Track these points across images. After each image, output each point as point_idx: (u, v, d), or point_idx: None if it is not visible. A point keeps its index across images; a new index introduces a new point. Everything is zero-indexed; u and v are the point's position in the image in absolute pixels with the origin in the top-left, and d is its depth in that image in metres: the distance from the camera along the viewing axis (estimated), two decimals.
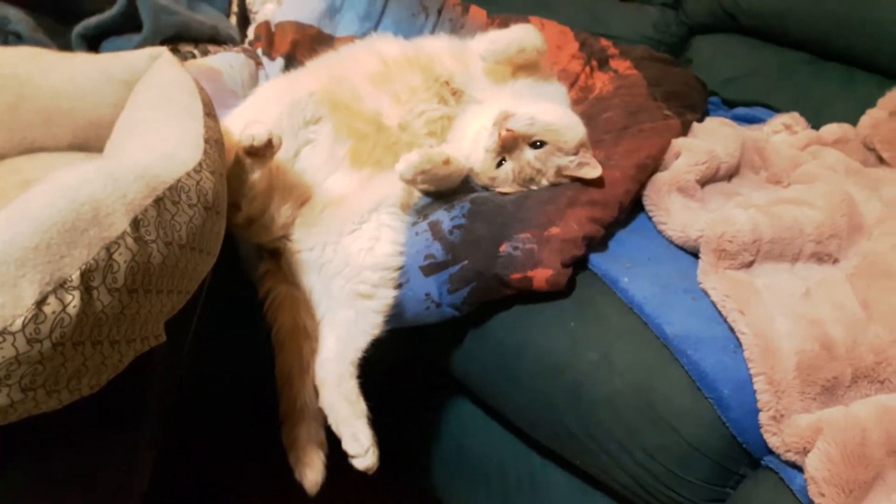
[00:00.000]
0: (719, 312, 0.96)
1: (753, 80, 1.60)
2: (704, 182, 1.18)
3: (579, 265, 1.06)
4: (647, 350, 0.97)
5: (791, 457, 0.84)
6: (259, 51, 1.42)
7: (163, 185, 0.72)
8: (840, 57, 1.53)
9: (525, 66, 1.22)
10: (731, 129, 1.28)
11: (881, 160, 1.34)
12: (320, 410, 1.02)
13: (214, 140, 0.86)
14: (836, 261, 1.06)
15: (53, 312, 0.59)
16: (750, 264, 1.01)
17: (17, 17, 1.25)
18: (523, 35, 1.19)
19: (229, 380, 1.24)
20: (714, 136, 1.24)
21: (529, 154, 1.11)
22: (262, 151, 0.98)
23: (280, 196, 1.06)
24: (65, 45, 1.33)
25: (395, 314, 1.08)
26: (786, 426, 0.84)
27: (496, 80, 1.22)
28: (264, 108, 1.13)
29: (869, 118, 1.37)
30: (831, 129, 1.38)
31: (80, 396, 0.66)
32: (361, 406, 1.02)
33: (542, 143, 1.11)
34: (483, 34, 1.22)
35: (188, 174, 0.76)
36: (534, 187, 1.14)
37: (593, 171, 1.11)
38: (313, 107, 1.11)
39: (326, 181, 1.11)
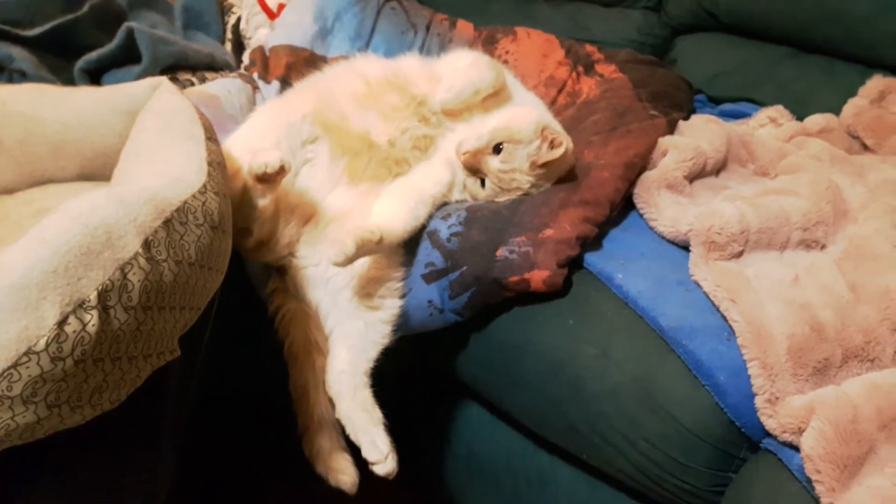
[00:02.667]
0: (712, 302, 0.99)
1: (737, 76, 1.64)
2: (692, 178, 1.21)
3: (575, 264, 1.09)
4: (644, 342, 1.00)
5: (787, 437, 0.86)
6: (255, 75, 1.46)
7: (170, 207, 0.76)
8: (821, 49, 1.57)
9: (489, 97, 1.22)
10: (717, 126, 1.31)
11: (865, 147, 1.37)
12: (337, 420, 1.06)
13: (217, 163, 0.90)
14: (823, 247, 1.09)
15: (74, 331, 0.63)
16: (739, 254, 1.04)
17: (21, 56, 1.30)
18: (476, 78, 1.19)
19: (239, 393, 1.27)
20: (700, 133, 1.27)
21: (494, 161, 1.14)
22: (274, 177, 1.01)
23: (285, 217, 1.09)
24: (67, 80, 1.38)
25: (401, 322, 1.11)
26: (780, 408, 0.87)
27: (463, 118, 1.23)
28: (262, 132, 1.16)
29: (851, 107, 1.41)
30: (815, 120, 1.42)
31: (102, 411, 0.69)
32: (377, 414, 1.04)
33: (500, 146, 1.13)
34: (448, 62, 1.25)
35: (194, 196, 0.79)
36: (526, 187, 1.16)
37: (557, 149, 1.13)
38: (309, 127, 1.14)
39: (327, 198, 1.14)
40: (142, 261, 0.69)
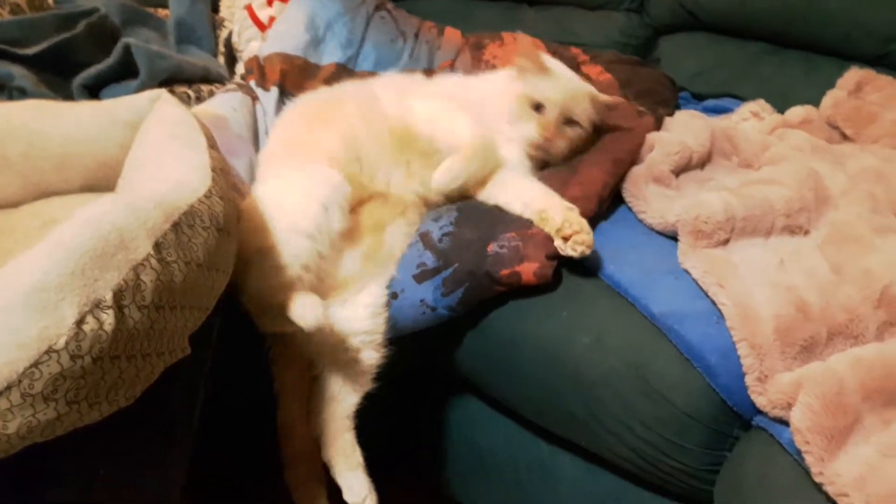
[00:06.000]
0: (701, 288, 1.02)
1: (719, 73, 1.68)
2: (679, 171, 1.25)
3: (567, 258, 1.12)
4: (637, 329, 1.03)
5: (777, 413, 0.90)
6: (252, 83, 1.48)
7: (178, 211, 0.78)
8: (799, 44, 1.62)
9: None
10: (701, 121, 1.36)
11: (845, 137, 1.41)
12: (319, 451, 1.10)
13: (220, 169, 0.93)
14: (807, 232, 1.13)
15: (92, 330, 0.66)
16: (725, 242, 1.08)
17: (21, 73, 1.32)
18: (471, 167, 1.16)
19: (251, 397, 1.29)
20: (685, 128, 1.32)
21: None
22: None
23: None
24: (66, 96, 1.40)
25: (393, 324, 1.12)
26: (770, 385, 0.91)
27: None
28: (305, 203, 1.08)
29: (830, 98, 1.45)
30: (796, 112, 1.46)
31: (118, 407, 0.72)
32: (356, 458, 1.08)
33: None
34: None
35: (200, 200, 0.82)
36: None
37: None
38: (346, 188, 1.11)
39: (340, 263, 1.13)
40: (153, 262, 0.72)
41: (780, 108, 1.56)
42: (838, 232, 1.08)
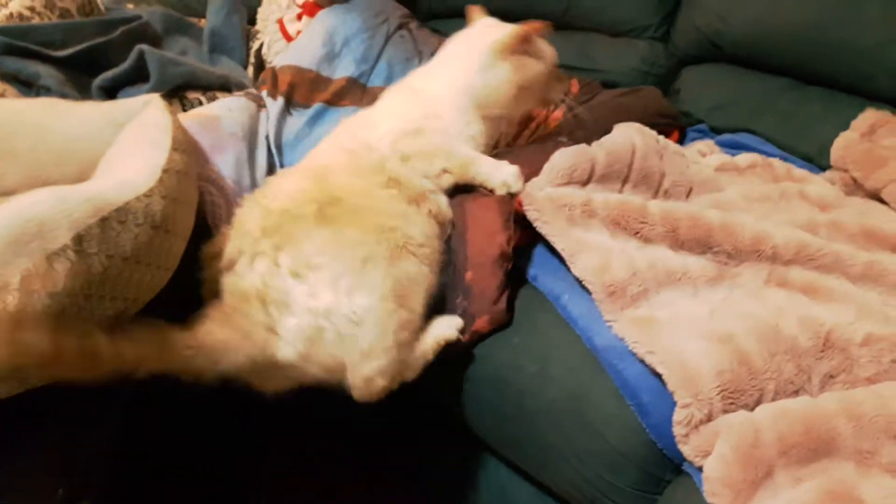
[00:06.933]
0: None
1: (739, 107, 1.63)
2: (586, 182, 1.19)
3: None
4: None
5: (700, 461, 0.86)
6: (264, 93, 1.55)
7: (109, 206, 0.83)
8: (821, 81, 1.55)
9: None
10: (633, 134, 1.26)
11: (855, 181, 1.33)
12: None
13: (175, 170, 0.98)
14: (738, 276, 1.07)
15: None
16: (644, 294, 1.02)
17: (47, 73, 1.42)
18: None
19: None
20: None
21: None
22: None
23: None
24: (91, 97, 1.50)
25: None
26: (693, 434, 0.86)
27: None
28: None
29: (842, 140, 1.38)
30: (745, 158, 1.41)
31: (28, 387, 0.77)
32: None
33: None
34: None
35: (137, 198, 0.87)
36: None
37: None
38: None
39: None
40: (70, 253, 0.77)
41: (798, 144, 1.51)
42: (780, 277, 1.03)
